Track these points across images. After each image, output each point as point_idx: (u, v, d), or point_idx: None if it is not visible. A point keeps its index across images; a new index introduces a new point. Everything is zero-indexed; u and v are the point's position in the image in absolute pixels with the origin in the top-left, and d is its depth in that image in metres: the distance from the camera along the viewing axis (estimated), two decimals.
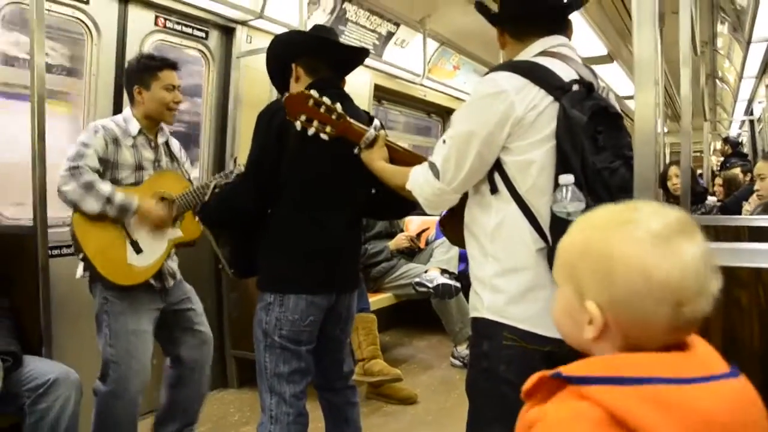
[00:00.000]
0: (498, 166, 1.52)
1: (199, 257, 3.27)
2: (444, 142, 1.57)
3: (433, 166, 1.58)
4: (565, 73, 1.55)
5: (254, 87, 3.68)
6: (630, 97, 8.21)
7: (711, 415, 0.64)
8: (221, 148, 3.73)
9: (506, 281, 1.51)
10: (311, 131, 1.85)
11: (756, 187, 3.64)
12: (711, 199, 5.40)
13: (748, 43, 5.78)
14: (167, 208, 2.52)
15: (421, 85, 5.17)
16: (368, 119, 2.15)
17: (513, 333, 1.48)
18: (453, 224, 1.75)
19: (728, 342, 0.99)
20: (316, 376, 2.35)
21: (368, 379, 3.49)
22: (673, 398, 0.64)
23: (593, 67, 1.69)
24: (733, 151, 8.60)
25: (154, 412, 2.79)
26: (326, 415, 2.44)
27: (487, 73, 1.57)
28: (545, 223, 1.46)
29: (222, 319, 3.69)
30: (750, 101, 9.51)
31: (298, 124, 1.86)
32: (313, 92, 1.86)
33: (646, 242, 0.70)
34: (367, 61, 4.36)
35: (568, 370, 0.70)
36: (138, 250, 2.46)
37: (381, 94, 5.02)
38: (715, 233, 2.37)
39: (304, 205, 2.12)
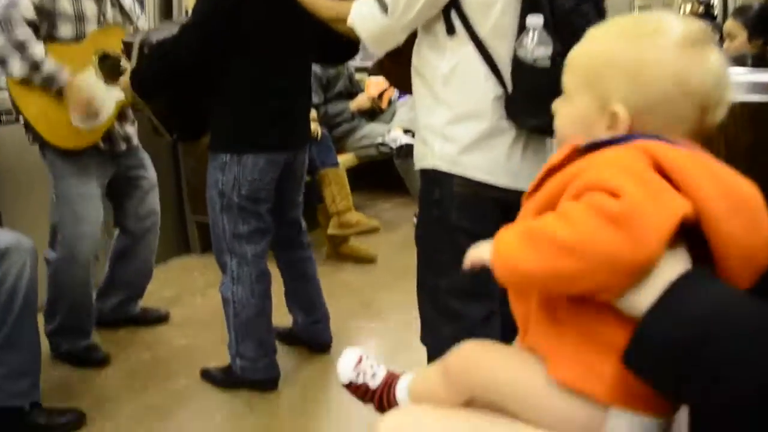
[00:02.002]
0: (455, 3, 1.40)
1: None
2: None
3: (381, 0, 1.45)
4: None
5: None
6: None
7: (743, 190, 0.67)
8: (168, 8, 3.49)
9: (459, 129, 1.43)
10: None
11: (724, 46, 3.55)
12: None
13: None
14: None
15: None
16: None
17: (465, 181, 1.43)
18: (396, 65, 1.62)
19: None
20: (275, 237, 2.35)
21: (346, 232, 3.51)
22: (715, 167, 0.67)
23: None
24: (705, 12, 8.44)
25: None
26: (284, 273, 2.47)
27: None
28: (505, 68, 1.37)
29: (180, 184, 3.62)
30: None
31: None
32: None
33: (678, 48, 0.71)
34: None
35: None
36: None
37: None
38: None
39: (257, 61, 2.03)
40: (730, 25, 3.62)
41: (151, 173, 2.63)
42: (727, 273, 0.66)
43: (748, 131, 0.95)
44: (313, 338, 2.53)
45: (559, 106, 0.81)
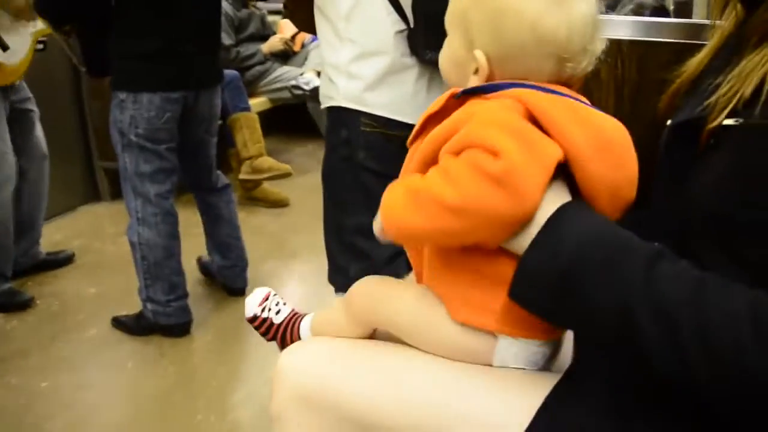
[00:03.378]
0: None
1: (54, 62, 2.96)
2: None
3: None
4: None
5: None
6: None
7: (609, 133, 0.70)
8: None
9: (363, 66, 1.43)
10: None
11: None
12: None
13: None
14: None
15: None
16: None
17: (371, 119, 1.43)
18: (299, 6, 1.60)
19: None
20: (188, 178, 2.32)
21: (258, 176, 3.47)
22: (582, 112, 0.69)
23: None
24: None
25: None
26: (203, 215, 2.47)
27: None
28: (406, 2, 1.36)
29: (86, 129, 3.45)
30: None
31: None
32: None
33: None
34: None
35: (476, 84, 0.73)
36: (4, 47, 2.22)
37: None
38: None
39: None
40: None
41: (36, 108, 2.58)
42: (597, 205, 0.70)
43: (634, 71, 1.00)
44: (228, 282, 2.53)
45: (444, 44, 0.80)
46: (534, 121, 0.67)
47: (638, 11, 3.42)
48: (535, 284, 0.66)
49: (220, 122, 3.37)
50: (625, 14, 3.55)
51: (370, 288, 0.88)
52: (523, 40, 0.70)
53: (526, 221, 0.66)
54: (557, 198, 0.67)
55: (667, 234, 0.68)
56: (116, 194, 3.45)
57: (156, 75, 2.01)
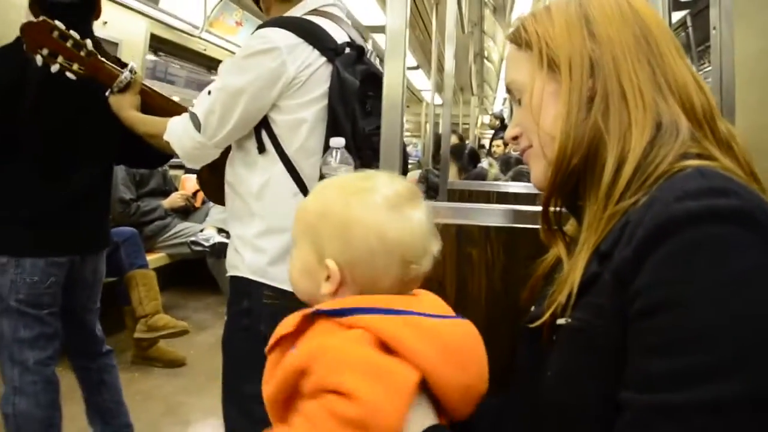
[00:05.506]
0: (266, 124, 1.50)
1: None
2: (209, 93, 1.51)
3: (194, 118, 1.51)
4: (337, 34, 1.56)
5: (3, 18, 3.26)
6: (414, 68, 8.67)
7: (452, 341, 0.74)
8: None
9: (269, 241, 1.50)
10: (55, 68, 1.67)
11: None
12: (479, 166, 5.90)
13: (508, 26, 6.36)
14: None
15: (200, 38, 4.97)
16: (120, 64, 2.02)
17: (274, 292, 1.48)
18: (210, 178, 1.69)
19: (460, 293, 1.12)
20: (69, 344, 2.22)
21: (153, 335, 3.37)
22: (426, 325, 0.73)
23: (375, 35, 1.74)
24: (501, 125, 9.50)
25: None
26: (82, 382, 2.32)
27: (259, 28, 1.52)
28: (311, 183, 1.47)
29: None
30: None
31: (39, 59, 1.66)
32: (58, 23, 1.67)
33: (382, 208, 0.77)
34: (143, 8, 4.12)
35: (330, 305, 0.75)
36: None
37: (158, 45, 4.74)
38: (469, 197, 2.63)
39: (43, 158, 1.94)
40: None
41: None
42: (449, 406, 0.74)
43: (501, 254, 1.13)
44: None
45: (291, 256, 0.85)
46: (386, 345, 0.70)
47: (517, 177, 3.78)
48: None
49: (114, 279, 3.33)
50: (508, 178, 3.88)
51: None
52: (372, 247, 0.76)
53: None
54: (421, 419, 0.70)
55: (521, 418, 0.75)
56: None
57: (41, 240, 1.97)
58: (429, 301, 0.80)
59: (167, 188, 4.30)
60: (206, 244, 3.92)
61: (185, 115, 1.55)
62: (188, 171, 4.58)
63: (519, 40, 0.84)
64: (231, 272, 1.57)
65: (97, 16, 2.06)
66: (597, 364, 0.66)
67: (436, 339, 0.72)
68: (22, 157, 1.93)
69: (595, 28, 0.77)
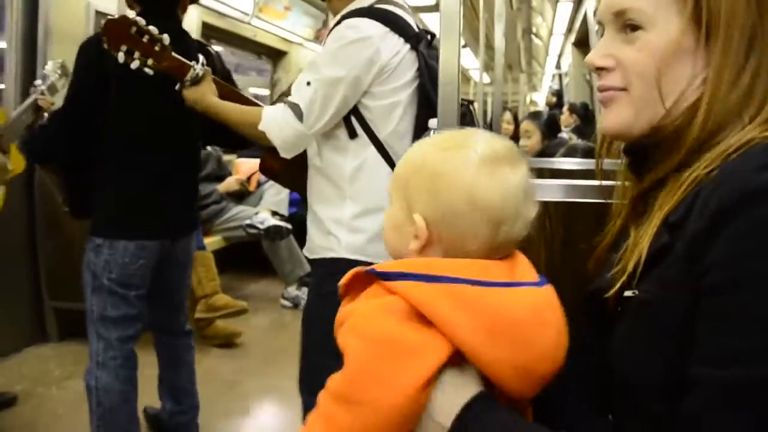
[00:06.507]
0: (356, 110, 1.57)
1: (9, 203, 3.00)
2: (308, 84, 1.56)
3: (295, 108, 1.56)
4: (412, 21, 1.65)
5: (69, 18, 3.37)
6: (462, 47, 8.58)
7: (509, 316, 0.68)
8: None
9: (366, 221, 1.57)
10: (134, 65, 1.71)
11: (523, 143, 3.88)
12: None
13: (557, 1, 6.24)
14: None
15: (250, 24, 5.03)
16: (206, 53, 2.03)
17: None
18: (286, 168, 1.72)
19: None
20: (155, 320, 2.33)
21: (213, 315, 3.46)
22: (474, 297, 0.68)
23: (421, 15, 1.80)
24: (557, 102, 9.36)
25: None
26: (162, 358, 2.42)
27: (343, 20, 1.58)
28: None
29: (38, 268, 3.42)
30: (559, 56, 10.32)
31: (120, 56, 1.70)
32: (138, 18, 1.71)
33: (474, 165, 0.73)
34: None
35: (382, 267, 0.72)
36: None
37: (209, 32, 4.82)
38: None
39: (134, 147, 2.03)
40: (527, 124, 4.00)
41: None
42: (506, 387, 0.69)
43: (560, 229, 1.13)
44: (178, 429, 2.46)
45: (385, 211, 0.82)
46: (423, 317, 0.67)
47: (570, 153, 3.71)
48: None
49: None
50: (560, 155, 3.82)
51: None
52: (458, 204, 0.72)
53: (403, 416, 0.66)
54: (461, 391, 0.67)
55: (583, 388, 0.75)
56: (64, 335, 3.44)
57: (132, 224, 2.06)
58: (518, 263, 0.76)
59: (222, 173, 4.39)
60: (261, 227, 3.99)
61: (282, 105, 1.59)
62: (242, 155, 4.66)
63: None
64: (322, 254, 1.63)
65: (184, 9, 2.14)
66: (664, 337, 0.65)
67: (482, 312, 0.67)
68: (114, 146, 2.02)
69: None
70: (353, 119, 1.58)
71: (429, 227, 0.74)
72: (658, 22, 0.71)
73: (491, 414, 0.66)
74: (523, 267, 0.76)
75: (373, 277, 0.73)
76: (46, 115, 2.21)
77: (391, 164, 1.55)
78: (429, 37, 1.63)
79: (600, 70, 0.77)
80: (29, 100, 2.22)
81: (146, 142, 2.05)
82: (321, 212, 1.65)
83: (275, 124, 1.58)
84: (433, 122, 1.42)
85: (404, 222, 0.77)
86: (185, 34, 2.09)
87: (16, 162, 2.41)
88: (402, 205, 0.78)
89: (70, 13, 3.34)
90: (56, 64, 2.30)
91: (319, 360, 1.60)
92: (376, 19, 1.55)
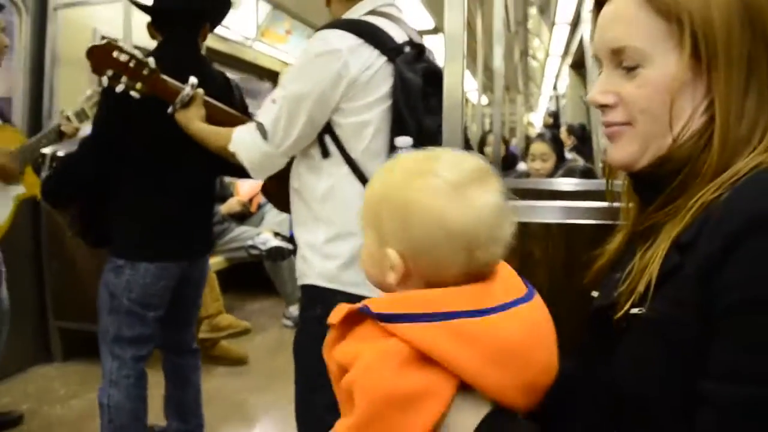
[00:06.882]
0: (329, 128, 1.49)
1: (15, 223, 3.04)
2: (273, 102, 1.51)
3: (260, 127, 1.51)
4: (396, 33, 1.54)
5: (76, 43, 3.43)
6: None
7: (507, 340, 0.68)
8: (37, 111, 3.39)
9: (338, 246, 1.49)
10: (119, 88, 1.70)
11: (536, 167, 3.86)
12: (522, 166, 5.75)
13: (553, 24, 6.35)
14: (11, 158, 2.34)
15: (252, 48, 5.11)
16: (226, 82, 2.06)
17: (347, 298, 1.49)
18: (278, 189, 1.68)
19: None
20: (165, 339, 2.34)
21: (217, 335, 3.49)
22: (473, 330, 0.67)
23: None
24: (553, 123, 9.46)
25: None
26: (169, 377, 2.44)
27: (318, 31, 1.51)
28: None
29: (43, 288, 3.45)
30: (556, 78, 10.43)
31: (104, 80, 1.70)
32: (121, 42, 1.71)
33: (442, 192, 0.70)
34: None
35: (377, 306, 0.70)
36: None
37: (212, 56, 4.89)
38: (522, 195, 2.64)
39: (152, 170, 2.06)
40: (540, 146, 3.91)
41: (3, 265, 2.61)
42: (513, 405, 0.70)
43: (562, 249, 1.17)
44: None
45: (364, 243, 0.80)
46: (424, 355, 0.67)
47: (569, 174, 3.76)
48: None
49: None
50: (559, 176, 3.86)
51: None
52: (431, 236, 0.70)
53: None
54: (474, 410, 0.69)
55: (586, 404, 0.78)
56: (69, 355, 3.45)
57: (155, 246, 2.08)
58: (504, 278, 0.75)
59: (224, 194, 4.43)
60: (263, 247, 4.03)
61: (251, 125, 1.55)
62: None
63: (659, 3, 0.72)
64: (302, 280, 1.57)
65: (204, 37, 2.15)
66: (671, 354, 0.66)
67: (483, 343, 0.67)
68: (134, 168, 2.04)
69: (755, 15, 0.70)
70: (327, 138, 1.50)
71: (405, 260, 0.73)
72: (656, 58, 0.72)
73: (508, 424, 0.69)
74: (511, 281, 0.76)
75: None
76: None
77: (365, 184, 1.48)
78: (415, 49, 1.52)
79: (603, 107, 0.77)
80: (52, 125, 2.26)
81: (167, 162, 2.06)
82: (298, 236, 1.59)
83: (243, 145, 1.55)
84: (400, 141, 1.36)
85: (379, 256, 0.75)
86: (204, 61, 2.11)
87: (29, 185, 2.46)
88: (375, 238, 0.76)
89: (77, 37, 3.39)
90: (95, 91, 2.33)
91: (301, 393, 1.59)
92: (349, 30, 1.47)
